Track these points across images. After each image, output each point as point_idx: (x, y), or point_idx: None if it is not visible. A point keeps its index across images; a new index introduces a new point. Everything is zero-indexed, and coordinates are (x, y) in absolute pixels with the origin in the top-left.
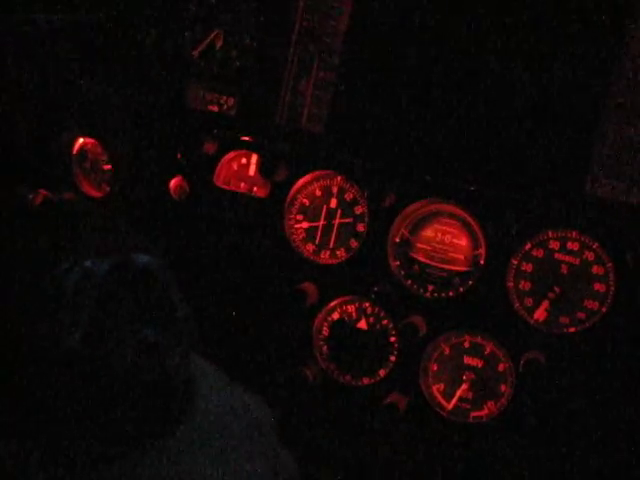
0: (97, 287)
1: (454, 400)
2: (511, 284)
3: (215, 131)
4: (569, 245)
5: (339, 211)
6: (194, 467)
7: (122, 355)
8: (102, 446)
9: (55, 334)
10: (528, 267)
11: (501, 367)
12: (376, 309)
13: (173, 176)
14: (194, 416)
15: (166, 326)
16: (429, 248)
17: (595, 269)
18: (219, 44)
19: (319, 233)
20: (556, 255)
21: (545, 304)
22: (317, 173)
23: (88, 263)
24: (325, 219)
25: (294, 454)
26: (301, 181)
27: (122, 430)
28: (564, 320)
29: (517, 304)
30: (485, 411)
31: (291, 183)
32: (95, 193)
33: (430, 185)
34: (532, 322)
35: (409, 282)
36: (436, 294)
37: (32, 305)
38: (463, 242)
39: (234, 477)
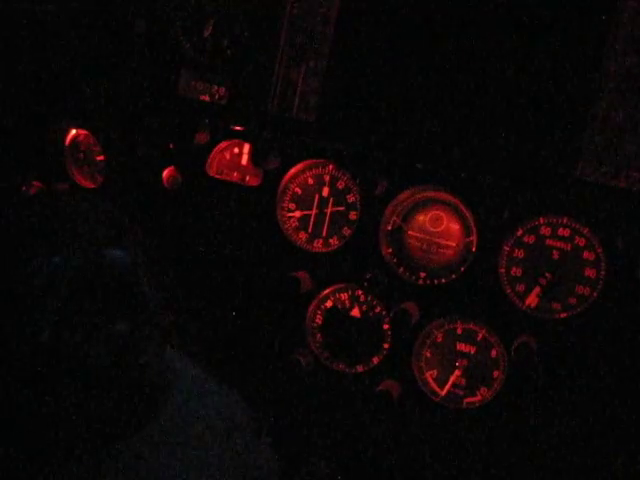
0: (67, 283)
1: (447, 386)
2: (503, 270)
3: (207, 121)
4: (560, 231)
5: (331, 199)
6: (168, 462)
7: (93, 350)
8: (74, 442)
9: (24, 330)
10: (520, 253)
11: (494, 353)
12: (369, 297)
13: (166, 166)
14: (168, 412)
15: (138, 320)
16: (421, 235)
17: (586, 255)
18: (207, 32)
19: (312, 222)
20: (547, 241)
21: (537, 290)
22: (309, 162)
23: (58, 259)
24: (317, 208)
25: (286, 443)
26: (293, 170)
27: (94, 425)
28: (556, 306)
29: (509, 290)
30: (478, 397)
31: (283, 172)
32: (88, 184)
33: (422, 172)
34: (524, 308)
35: (401, 269)
36: (428, 281)
37: (1, 300)
38: (455, 229)
39: (208, 473)
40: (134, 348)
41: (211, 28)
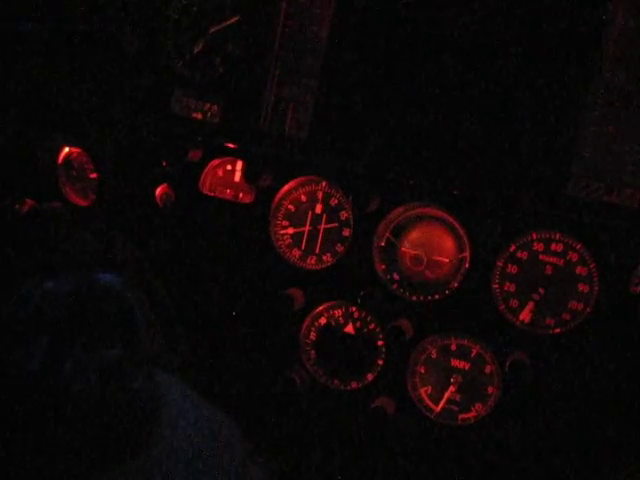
0: (57, 309)
1: (442, 402)
2: (496, 286)
3: (200, 138)
4: (553, 246)
5: (324, 216)
6: None
7: (84, 378)
8: (66, 470)
9: (14, 358)
10: (513, 269)
11: (488, 369)
12: (363, 313)
13: (159, 184)
14: (161, 437)
15: (129, 347)
16: (414, 252)
17: (579, 270)
18: (198, 49)
19: (305, 239)
20: (541, 256)
21: (530, 305)
22: (302, 179)
23: (49, 284)
24: (311, 224)
25: (281, 459)
26: (286, 187)
27: (86, 454)
28: (549, 321)
29: (502, 306)
30: (473, 413)
31: (276, 189)
32: (81, 202)
33: (414, 189)
34: (518, 324)
35: (395, 286)
36: (422, 297)
37: None
38: (448, 245)
39: None
40: (126, 374)
41: (201, 45)
